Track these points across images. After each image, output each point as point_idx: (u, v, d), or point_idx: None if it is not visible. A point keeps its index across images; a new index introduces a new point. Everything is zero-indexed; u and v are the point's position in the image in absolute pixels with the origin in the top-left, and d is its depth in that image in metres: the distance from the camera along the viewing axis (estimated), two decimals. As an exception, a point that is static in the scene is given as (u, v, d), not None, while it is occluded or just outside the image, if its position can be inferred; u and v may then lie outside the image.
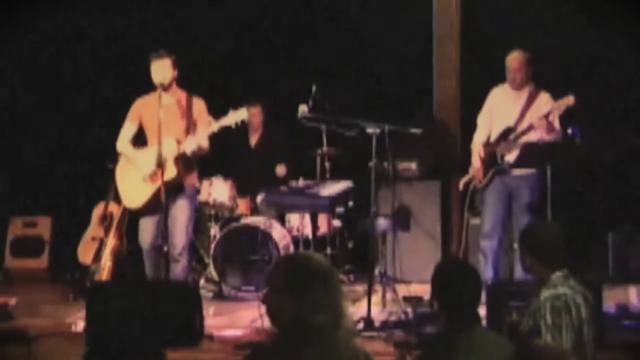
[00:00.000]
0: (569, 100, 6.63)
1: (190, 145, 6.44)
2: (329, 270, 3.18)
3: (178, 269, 6.52)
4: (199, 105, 6.62)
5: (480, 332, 3.68)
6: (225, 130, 6.54)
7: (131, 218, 7.58)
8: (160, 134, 6.28)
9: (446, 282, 3.71)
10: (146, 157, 6.48)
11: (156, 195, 6.38)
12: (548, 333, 4.02)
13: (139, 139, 6.69)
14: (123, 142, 6.67)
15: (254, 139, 8.55)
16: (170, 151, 6.39)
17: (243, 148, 8.51)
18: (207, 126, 6.51)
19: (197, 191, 7.47)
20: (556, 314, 4.04)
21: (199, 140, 6.46)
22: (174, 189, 6.50)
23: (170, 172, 6.41)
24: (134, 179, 6.57)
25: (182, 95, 6.62)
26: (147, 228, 6.59)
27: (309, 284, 3.10)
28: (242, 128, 8.11)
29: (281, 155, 8.29)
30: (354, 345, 3.17)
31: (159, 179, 6.34)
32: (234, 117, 6.44)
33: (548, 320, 4.04)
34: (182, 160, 6.50)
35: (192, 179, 6.70)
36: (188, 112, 6.57)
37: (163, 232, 6.39)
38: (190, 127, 6.55)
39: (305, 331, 3.07)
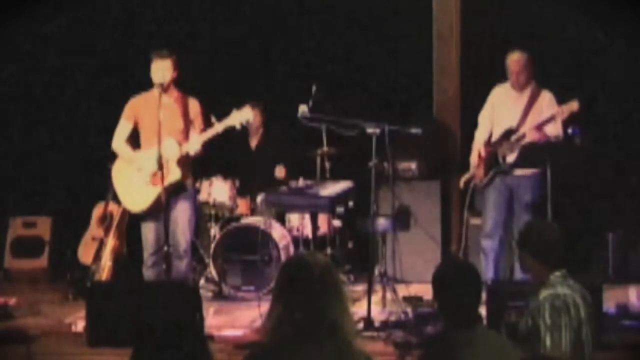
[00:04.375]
0: (573, 105, 6.59)
1: (194, 146, 6.43)
2: (332, 271, 3.18)
3: (182, 267, 6.54)
4: (194, 106, 6.61)
5: (481, 332, 3.67)
6: (227, 131, 6.53)
7: (131, 218, 7.59)
8: (160, 134, 6.26)
9: (447, 282, 3.71)
10: (147, 159, 6.46)
11: (161, 197, 6.37)
12: (547, 333, 4.02)
13: (133, 138, 6.68)
14: (119, 141, 6.63)
15: (254, 141, 8.54)
16: (173, 153, 6.37)
17: (243, 149, 8.51)
18: (201, 127, 6.49)
19: (197, 191, 7.47)
20: (555, 314, 4.04)
21: (202, 141, 6.45)
22: (176, 190, 6.50)
23: (175, 174, 6.40)
24: (136, 182, 6.54)
25: (178, 95, 6.61)
26: (151, 231, 6.58)
27: (311, 285, 3.10)
28: (243, 130, 8.17)
29: (281, 156, 8.28)
30: (355, 345, 3.17)
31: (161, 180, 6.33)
32: (238, 117, 6.42)
33: (547, 320, 4.04)
34: (185, 161, 6.50)
35: (191, 179, 6.70)
36: (185, 113, 6.56)
37: (165, 232, 6.39)
38: (187, 127, 6.54)
39: (306, 332, 3.07)
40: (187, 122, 6.55)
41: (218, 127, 6.45)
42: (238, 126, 6.46)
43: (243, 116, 6.43)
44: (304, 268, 3.16)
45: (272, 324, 3.16)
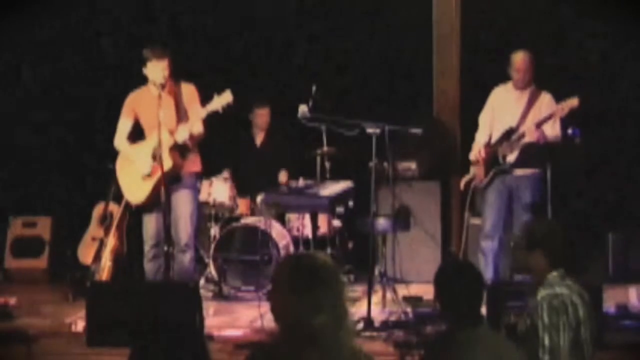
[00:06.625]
0: (573, 102, 6.61)
1: (181, 134, 6.45)
2: (333, 271, 3.17)
3: (186, 260, 6.56)
4: (188, 91, 6.62)
5: (483, 332, 3.67)
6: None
7: (131, 218, 7.59)
8: (159, 133, 6.28)
9: (449, 283, 3.70)
10: (143, 153, 6.50)
11: (157, 189, 6.40)
12: (545, 332, 4.02)
13: (135, 132, 6.69)
14: (120, 138, 6.68)
15: (259, 138, 8.54)
16: (164, 143, 6.38)
17: (249, 147, 8.50)
18: (198, 110, 6.50)
19: (198, 190, 7.48)
20: (553, 314, 4.04)
21: (190, 128, 6.46)
22: (172, 180, 6.50)
23: (166, 163, 6.41)
24: (134, 175, 6.58)
25: (171, 87, 6.61)
26: (152, 223, 6.61)
27: (312, 284, 3.09)
28: (248, 128, 8.22)
29: (285, 157, 8.28)
30: (355, 346, 3.17)
31: (157, 172, 6.35)
32: (219, 101, 6.43)
33: (545, 319, 4.03)
34: (177, 150, 6.51)
35: (190, 167, 6.69)
36: (179, 101, 6.57)
37: (165, 229, 6.40)
38: (182, 114, 6.55)
39: (306, 332, 3.07)
40: (181, 110, 6.55)
41: (201, 113, 6.47)
42: (220, 110, 6.46)
43: (224, 99, 6.43)
44: (307, 267, 3.15)
45: (275, 323, 3.15)
